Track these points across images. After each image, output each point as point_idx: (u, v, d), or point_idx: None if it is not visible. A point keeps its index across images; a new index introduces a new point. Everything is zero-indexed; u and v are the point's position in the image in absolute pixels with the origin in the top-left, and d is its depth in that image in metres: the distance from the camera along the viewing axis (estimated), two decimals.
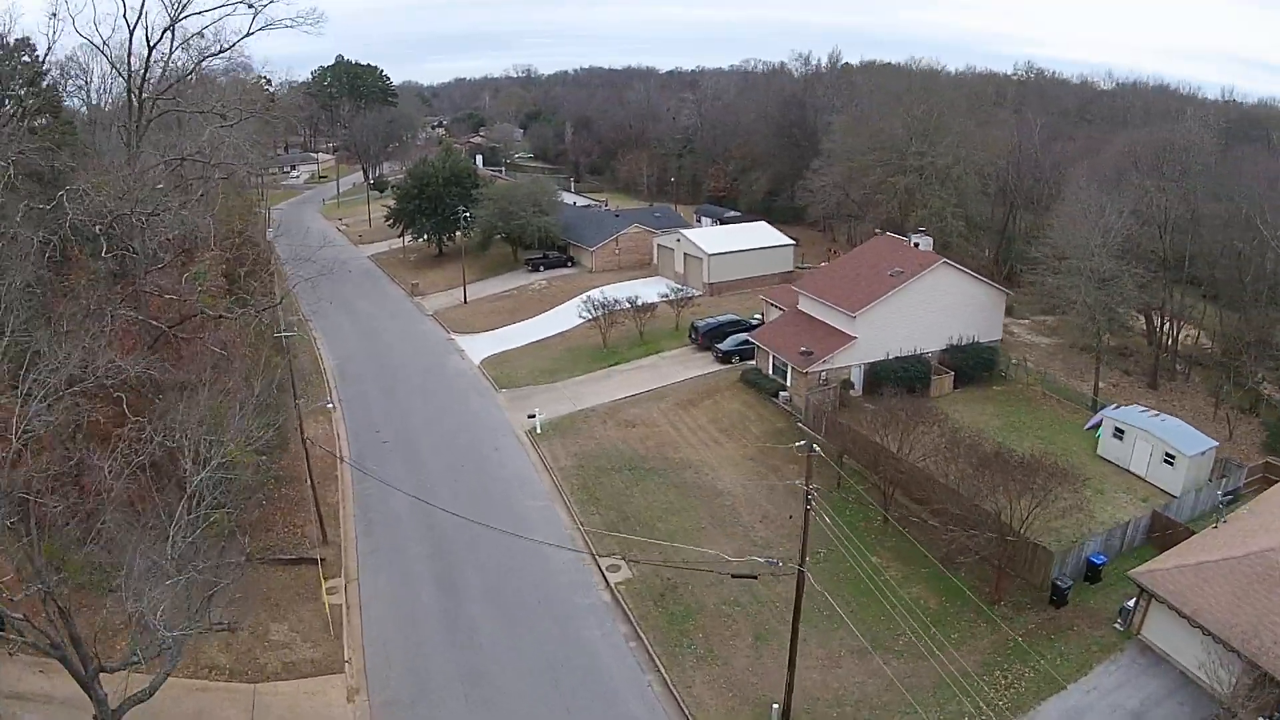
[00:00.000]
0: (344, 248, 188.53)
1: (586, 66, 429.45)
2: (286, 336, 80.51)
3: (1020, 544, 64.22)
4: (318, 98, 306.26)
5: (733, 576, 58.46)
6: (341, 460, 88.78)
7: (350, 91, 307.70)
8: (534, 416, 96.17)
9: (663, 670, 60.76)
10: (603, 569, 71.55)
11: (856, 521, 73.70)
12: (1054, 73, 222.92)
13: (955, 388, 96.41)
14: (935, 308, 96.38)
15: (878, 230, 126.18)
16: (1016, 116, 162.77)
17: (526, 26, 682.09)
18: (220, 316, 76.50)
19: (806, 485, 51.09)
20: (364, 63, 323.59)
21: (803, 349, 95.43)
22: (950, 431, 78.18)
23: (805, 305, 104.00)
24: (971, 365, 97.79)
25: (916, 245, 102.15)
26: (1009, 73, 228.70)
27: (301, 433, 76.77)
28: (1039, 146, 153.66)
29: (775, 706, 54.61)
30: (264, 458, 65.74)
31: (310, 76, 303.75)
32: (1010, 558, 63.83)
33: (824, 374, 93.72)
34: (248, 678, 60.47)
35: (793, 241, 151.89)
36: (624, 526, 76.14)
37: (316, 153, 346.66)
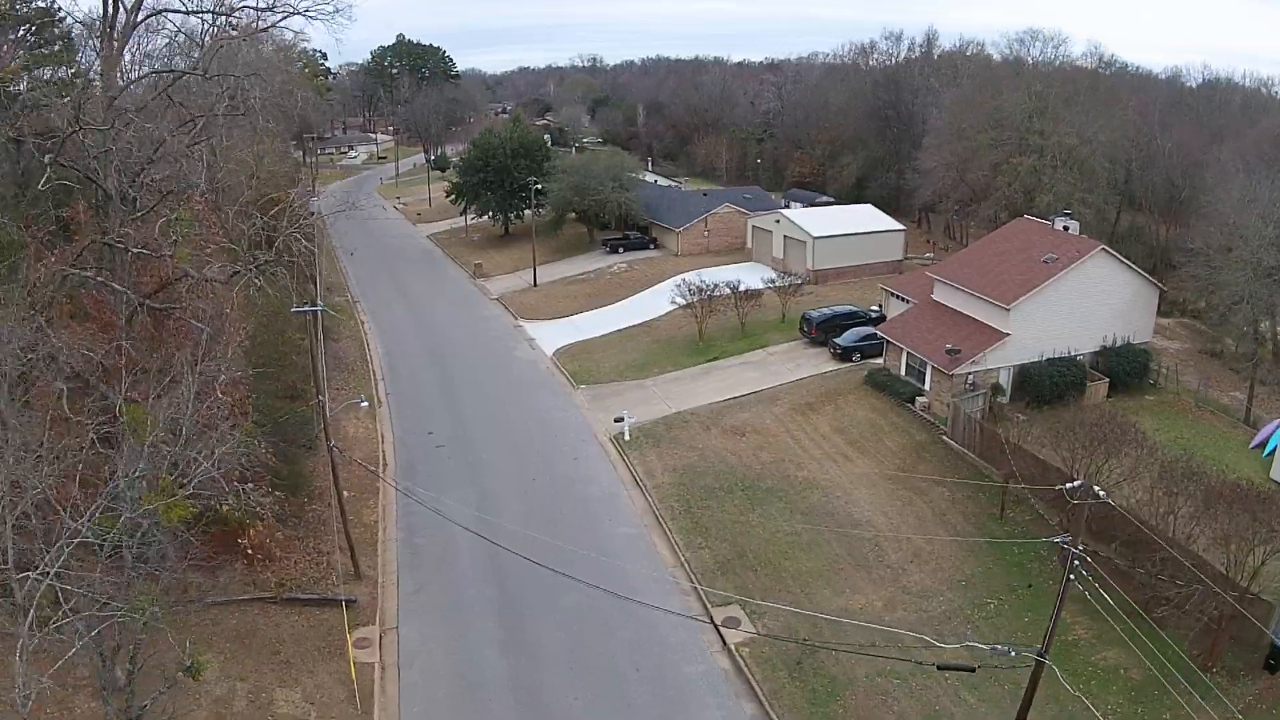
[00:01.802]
0: (401, 225, 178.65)
1: (654, 56, 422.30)
2: (312, 311, 64.14)
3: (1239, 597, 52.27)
4: (378, 77, 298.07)
5: (939, 668, 43.93)
6: (384, 468, 75.27)
7: (411, 69, 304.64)
8: (622, 420, 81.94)
9: None
10: (717, 624, 57.32)
11: (1027, 561, 61.03)
12: (1136, 67, 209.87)
13: (1107, 395, 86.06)
14: (1090, 302, 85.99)
15: (998, 218, 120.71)
16: (1113, 107, 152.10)
17: (585, 21, 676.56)
18: (207, 280, 59.21)
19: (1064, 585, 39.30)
20: (425, 43, 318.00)
21: (948, 346, 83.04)
22: (1149, 451, 64.23)
23: (942, 295, 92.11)
24: (1125, 370, 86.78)
25: (1066, 229, 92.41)
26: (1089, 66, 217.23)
27: (326, 436, 61.75)
28: (1160, 133, 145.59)
29: None
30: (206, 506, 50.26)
31: (369, 57, 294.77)
32: (1229, 614, 51.90)
33: (970, 377, 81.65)
34: None
35: (902, 227, 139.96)
36: (741, 565, 62.55)
37: (375, 133, 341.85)
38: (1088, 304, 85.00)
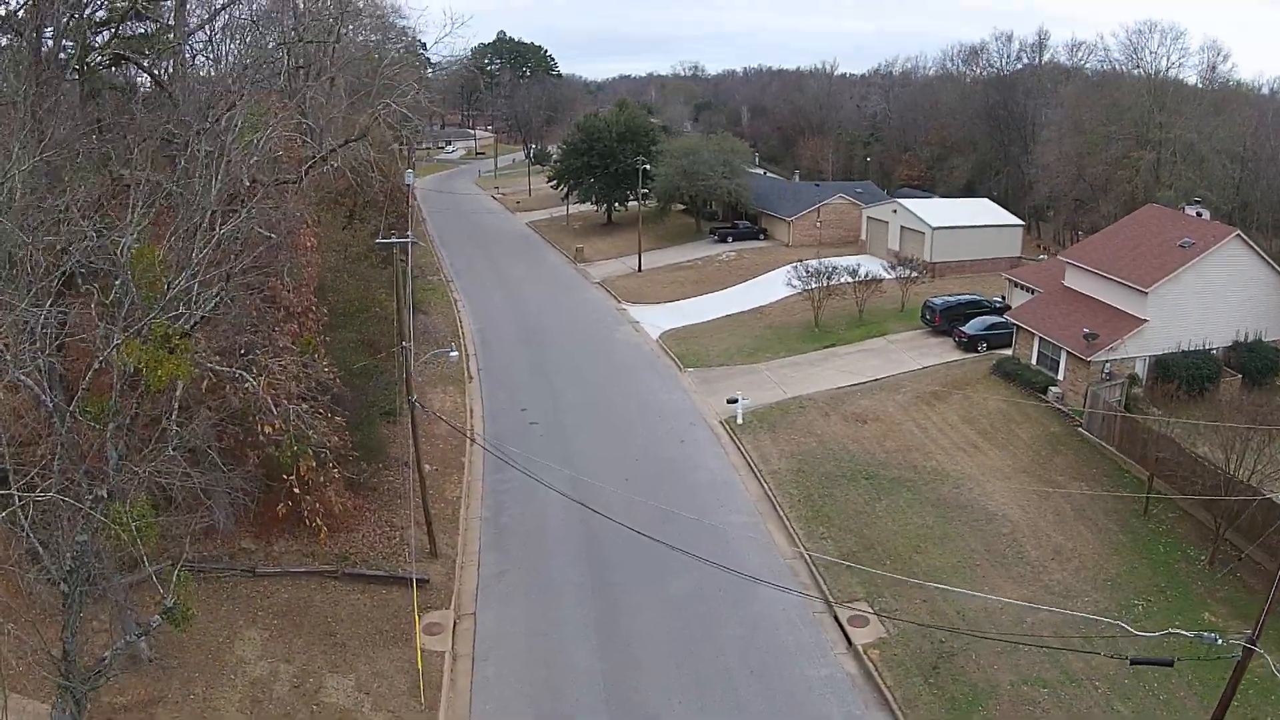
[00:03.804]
0: (499, 213, 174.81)
1: (756, 66, 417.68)
2: (400, 244, 58.35)
3: None
4: (479, 74, 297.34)
5: (1132, 663, 37.23)
6: (471, 440, 68.62)
7: (512, 65, 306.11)
8: (735, 402, 75.74)
9: None
10: (842, 622, 50.53)
11: (1173, 561, 55.87)
12: (1237, 81, 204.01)
13: (1240, 393, 79.37)
14: (1225, 292, 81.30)
15: (1116, 216, 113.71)
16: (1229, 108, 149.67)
17: (685, 29, 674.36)
18: (281, 182, 52.98)
19: None
20: (527, 40, 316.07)
21: (1086, 331, 78.00)
22: None
23: (1075, 280, 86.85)
24: (1258, 367, 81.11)
25: (1199, 215, 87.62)
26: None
27: (408, 389, 55.13)
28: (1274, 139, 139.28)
29: None
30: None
31: (469, 53, 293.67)
32: None
33: (1107, 365, 76.48)
34: None
35: (1020, 222, 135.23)
36: (868, 558, 55.72)
37: (474, 129, 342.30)
38: (1222, 294, 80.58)
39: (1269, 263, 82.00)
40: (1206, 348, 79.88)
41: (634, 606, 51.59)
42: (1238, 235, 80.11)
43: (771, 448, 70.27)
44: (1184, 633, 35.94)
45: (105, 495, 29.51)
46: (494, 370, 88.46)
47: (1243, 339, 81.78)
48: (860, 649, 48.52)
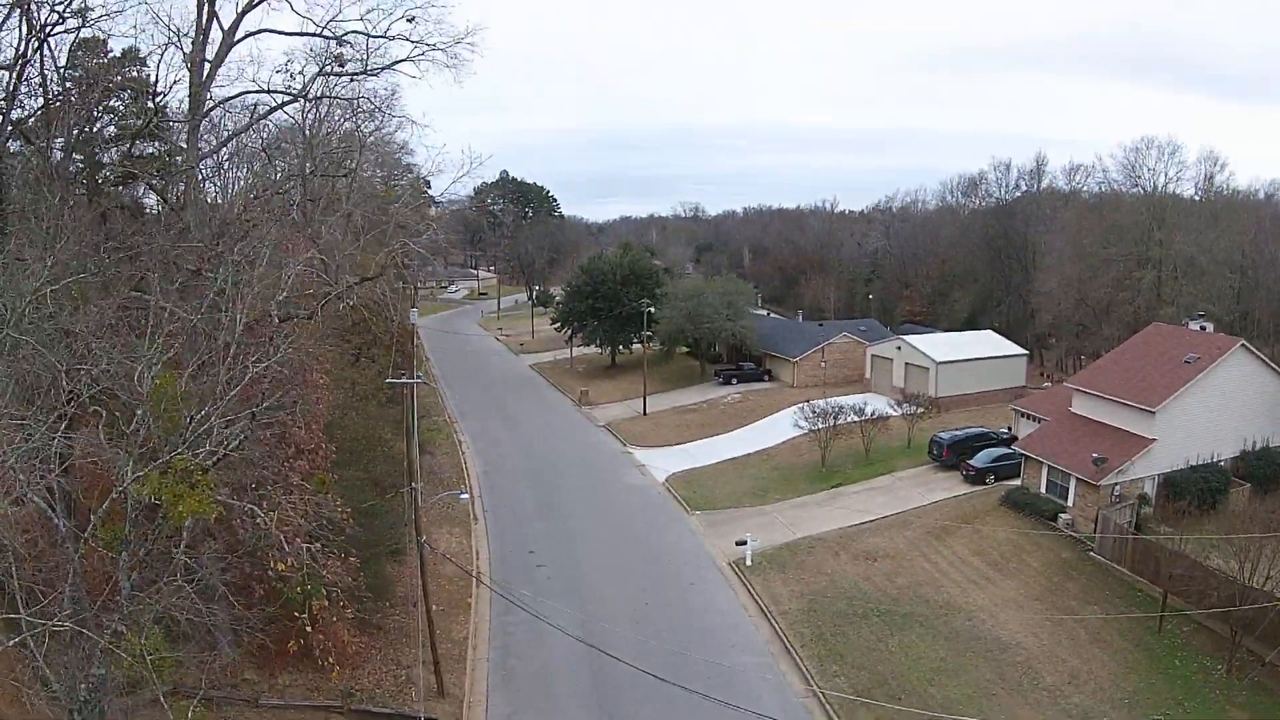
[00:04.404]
0: (502, 354, 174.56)
1: (755, 206, 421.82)
2: (409, 384, 58.41)
3: None
4: (483, 214, 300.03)
5: None
6: (479, 582, 68.19)
7: (515, 204, 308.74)
8: (744, 544, 74.41)
9: None
10: None
11: (1191, 674, 56.12)
12: (1233, 190, 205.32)
13: (1248, 502, 79.13)
14: (1232, 402, 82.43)
15: (1120, 338, 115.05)
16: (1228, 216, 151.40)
17: (684, 170, 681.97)
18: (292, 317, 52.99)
19: None
20: (530, 181, 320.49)
21: (1095, 455, 77.36)
22: None
23: (1082, 406, 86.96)
24: (1266, 474, 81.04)
25: (1203, 329, 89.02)
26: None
27: (417, 530, 54.68)
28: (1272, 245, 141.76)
29: None
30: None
31: (473, 192, 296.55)
32: None
33: (1116, 488, 76.52)
34: None
35: (1024, 351, 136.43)
36: (882, 694, 55.27)
37: (476, 269, 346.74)
38: (1229, 404, 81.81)
39: (1273, 369, 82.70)
40: (1214, 459, 79.99)
41: None
42: (1242, 345, 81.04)
43: (781, 588, 69.45)
44: None
45: (123, 629, 29.16)
46: (500, 512, 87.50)
47: (1250, 447, 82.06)
48: None
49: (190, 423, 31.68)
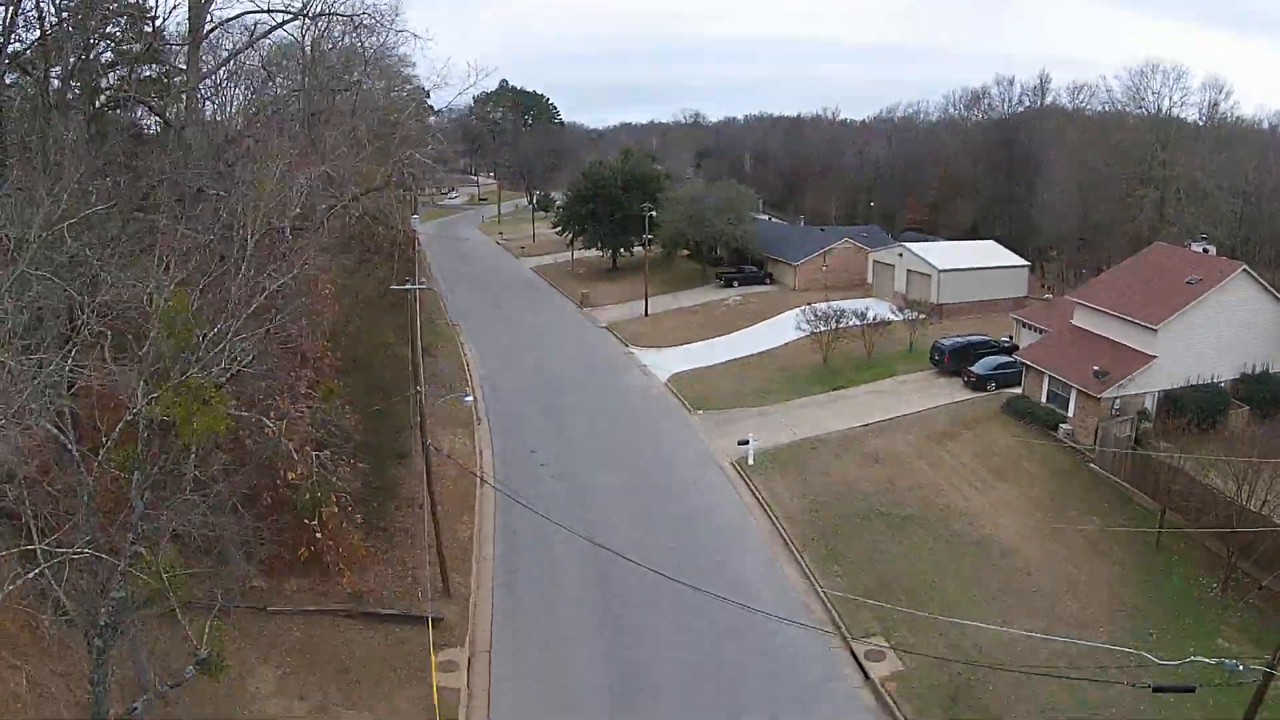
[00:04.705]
0: (503, 258, 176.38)
1: (756, 113, 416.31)
2: (415, 289, 58.47)
3: None
4: (482, 121, 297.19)
5: (1155, 690, 35.34)
6: (482, 482, 68.26)
7: (515, 113, 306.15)
8: (746, 444, 75.02)
9: None
10: (859, 656, 50.47)
11: (1187, 590, 56.02)
12: (1238, 118, 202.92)
13: (1247, 425, 79.78)
14: (1232, 325, 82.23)
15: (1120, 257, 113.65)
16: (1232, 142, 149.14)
17: (686, 80, 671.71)
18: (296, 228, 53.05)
19: None
20: (530, 89, 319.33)
21: (1096, 368, 78.00)
22: None
23: (1084, 319, 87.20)
24: (1265, 398, 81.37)
25: (1205, 251, 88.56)
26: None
27: (422, 432, 54.27)
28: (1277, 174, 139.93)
29: None
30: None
31: (472, 101, 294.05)
32: None
33: (1116, 402, 76.92)
34: None
35: (1026, 263, 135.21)
36: (882, 594, 55.42)
37: (476, 175, 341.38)
38: (1230, 327, 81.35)
39: (1274, 295, 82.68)
40: (1214, 380, 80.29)
41: (648, 643, 51.20)
42: (1244, 270, 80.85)
43: (783, 488, 69.79)
44: (1205, 660, 35.88)
45: (141, 550, 29.24)
46: (502, 413, 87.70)
47: (1250, 371, 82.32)
48: (878, 683, 48.16)
49: (203, 340, 31.61)
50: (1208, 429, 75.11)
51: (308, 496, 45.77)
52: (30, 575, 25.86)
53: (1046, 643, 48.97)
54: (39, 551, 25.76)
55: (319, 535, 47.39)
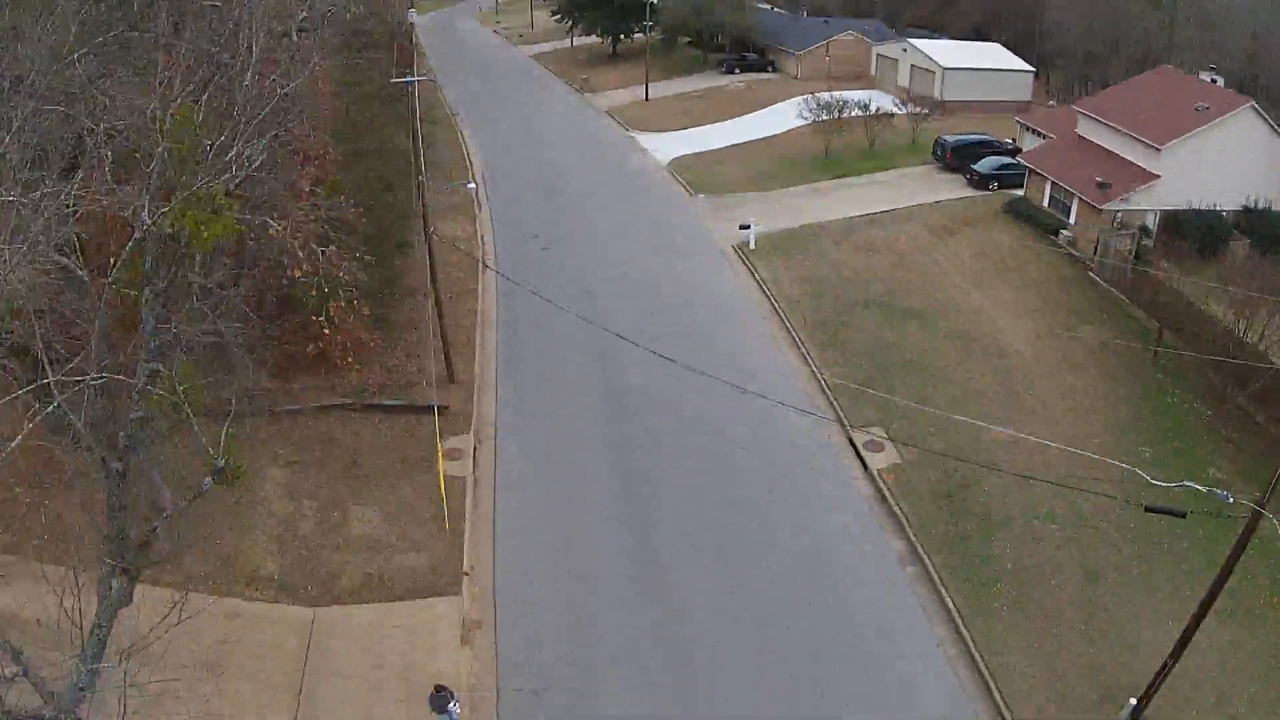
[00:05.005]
0: (502, 47, 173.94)
1: None
2: (410, 82, 57.59)
3: None
4: None
5: (1147, 510, 34.98)
6: (485, 268, 68.40)
7: None
8: (747, 228, 74.93)
9: (961, 626, 41.02)
10: (857, 446, 51.21)
11: (1181, 414, 55.37)
12: None
13: (1247, 258, 78.05)
14: (1236, 159, 79.89)
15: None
16: None
17: None
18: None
19: None
20: None
21: (1099, 179, 77.35)
22: None
23: (1088, 130, 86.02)
24: (1269, 234, 79.75)
25: (1213, 82, 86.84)
26: None
27: (425, 221, 53.98)
28: None
29: (1132, 701, 36.22)
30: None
31: None
32: None
33: (1118, 215, 76.35)
34: (306, 597, 40.42)
35: (1031, 69, 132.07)
36: (881, 385, 55.87)
37: None
38: (1235, 160, 79.59)
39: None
40: (1217, 209, 79.54)
41: (650, 428, 51.78)
42: (1251, 105, 79.69)
43: (784, 272, 69.85)
44: (1197, 487, 35.82)
45: (159, 368, 29.31)
46: (503, 199, 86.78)
47: (1253, 204, 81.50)
48: (876, 473, 48.92)
49: (211, 150, 31.18)
50: (1208, 256, 74.75)
51: (314, 294, 45.95)
52: (49, 409, 25.81)
53: (1042, 449, 49.24)
54: (53, 384, 25.68)
55: (327, 331, 47.81)
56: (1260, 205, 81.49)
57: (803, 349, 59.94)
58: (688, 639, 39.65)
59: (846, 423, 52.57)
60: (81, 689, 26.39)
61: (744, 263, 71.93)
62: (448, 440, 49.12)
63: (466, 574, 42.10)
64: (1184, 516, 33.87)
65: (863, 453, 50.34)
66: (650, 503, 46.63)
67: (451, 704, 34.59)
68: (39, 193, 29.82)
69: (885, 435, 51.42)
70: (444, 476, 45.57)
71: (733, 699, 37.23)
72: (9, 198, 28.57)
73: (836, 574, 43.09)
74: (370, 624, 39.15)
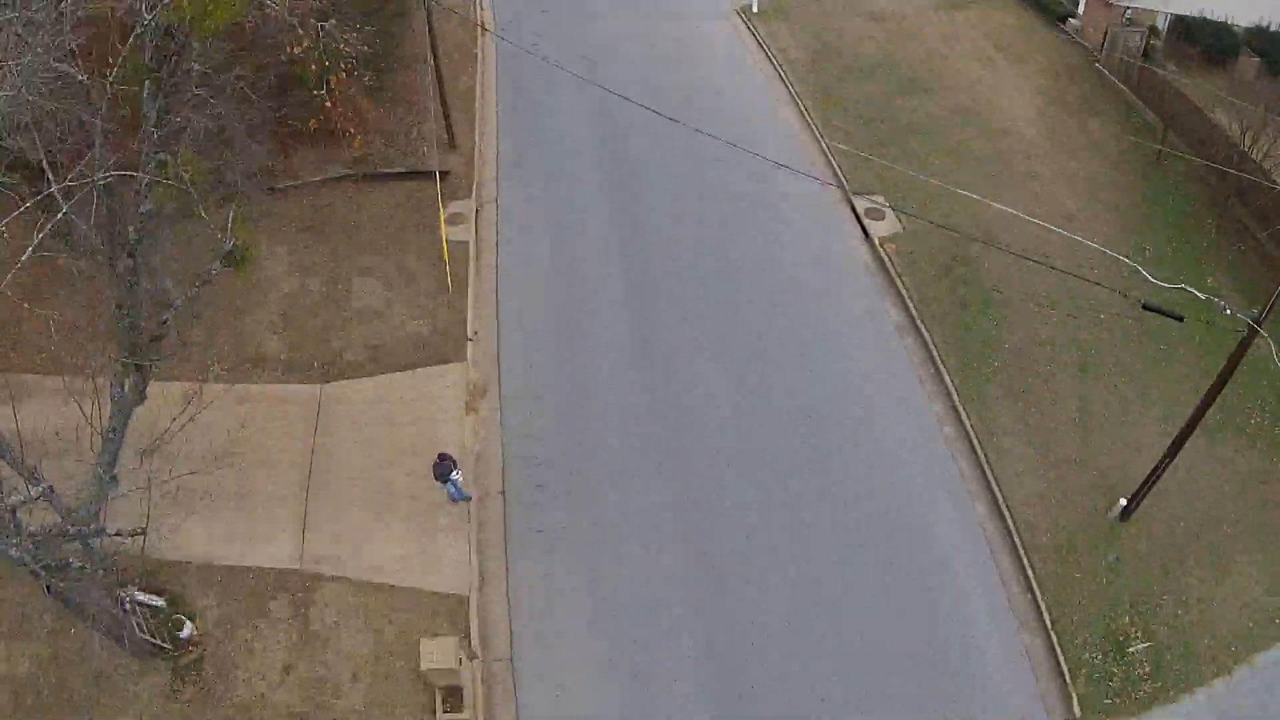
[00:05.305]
0: None
1: None
2: None
3: None
4: None
5: (1145, 308, 34.54)
6: (483, 31, 66.38)
7: None
8: None
9: (957, 402, 42.24)
10: (859, 212, 51.56)
11: (1183, 220, 54.44)
12: None
13: (1255, 77, 75.56)
14: None
15: None
16: None
17: None
18: None
19: None
20: None
21: None
22: None
23: None
24: (1277, 57, 75.82)
25: None
26: None
27: None
28: None
29: (1122, 502, 38.00)
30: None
31: None
32: None
33: (1129, 10, 72.76)
34: (314, 374, 41.35)
35: None
36: (883, 153, 55.04)
37: None
38: None
39: None
40: (1229, 21, 75.87)
41: (652, 186, 52.20)
42: None
43: (788, 38, 68.36)
44: (1196, 292, 35.86)
45: (166, 158, 28.94)
46: None
47: (1265, 25, 77.22)
48: (876, 241, 49.17)
49: None
50: (1216, 66, 72.52)
51: (314, 68, 45.32)
52: (58, 216, 25.49)
53: (1044, 231, 49.07)
54: (57, 192, 25.34)
55: (328, 104, 47.23)
56: (1274, 28, 77.34)
57: (805, 114, 59.19)
58: (681, 386, 41.67)
59: (848, 188, 52.52)
60: (100, 498, 26.82)
61: (747, 26, 70.12)
62: (449, 205, 49.17)
63: (471, 339, 42.84)
64: (1181, 320, 33.71)
65: (864, 220, 50.46)
66: (651, 261, 47.34)
67: (454, 472, 35.59)
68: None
69: (886, 203, 51.35)
70: (446, 241, 45.64)
71: (724, 449, 39.33)
72: (10, 14, 27.83)
73: (833, 339, 44.27)
74: (376, 396, 40.06)
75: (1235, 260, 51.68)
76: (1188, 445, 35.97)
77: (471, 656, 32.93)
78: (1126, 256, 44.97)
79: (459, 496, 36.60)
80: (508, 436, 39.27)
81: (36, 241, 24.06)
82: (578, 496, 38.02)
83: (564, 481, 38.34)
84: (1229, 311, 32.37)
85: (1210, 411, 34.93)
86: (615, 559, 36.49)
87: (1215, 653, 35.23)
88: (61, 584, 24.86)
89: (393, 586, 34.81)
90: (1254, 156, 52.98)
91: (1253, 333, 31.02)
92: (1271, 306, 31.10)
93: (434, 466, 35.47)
